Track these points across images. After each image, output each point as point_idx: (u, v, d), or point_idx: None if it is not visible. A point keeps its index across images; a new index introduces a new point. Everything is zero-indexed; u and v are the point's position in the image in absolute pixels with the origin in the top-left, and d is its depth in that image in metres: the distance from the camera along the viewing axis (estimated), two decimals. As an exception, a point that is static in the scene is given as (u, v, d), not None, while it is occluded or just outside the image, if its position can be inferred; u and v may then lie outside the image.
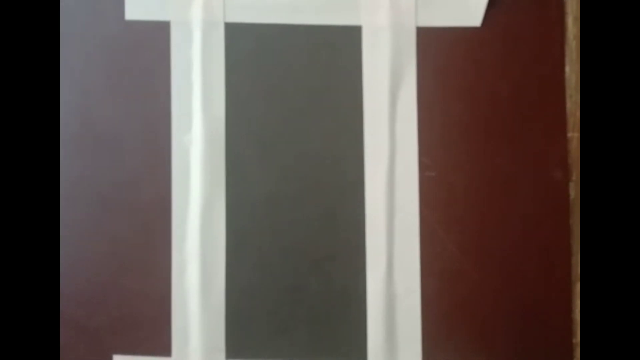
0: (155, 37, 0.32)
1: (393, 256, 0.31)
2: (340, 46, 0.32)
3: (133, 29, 0.32)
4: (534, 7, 0.32)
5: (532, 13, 0.32)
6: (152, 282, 0.32)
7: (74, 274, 0.32)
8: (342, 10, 0.32)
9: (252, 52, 0.32)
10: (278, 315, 0.32)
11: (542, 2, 0.32)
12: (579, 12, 0.31)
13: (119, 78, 0.32)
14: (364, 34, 0.32)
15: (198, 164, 0.32)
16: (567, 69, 0.31)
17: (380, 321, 0.31)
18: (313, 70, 0.32)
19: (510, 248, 0.30)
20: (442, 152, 0.31)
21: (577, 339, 0.30)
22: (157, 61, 0.32)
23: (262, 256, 0.32)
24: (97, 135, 0.32)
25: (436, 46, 0.32)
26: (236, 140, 0.32)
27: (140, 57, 0.32)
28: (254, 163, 0.32)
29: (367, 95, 0.32)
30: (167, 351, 0.32)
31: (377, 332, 0.31)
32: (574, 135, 0.31)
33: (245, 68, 0.32)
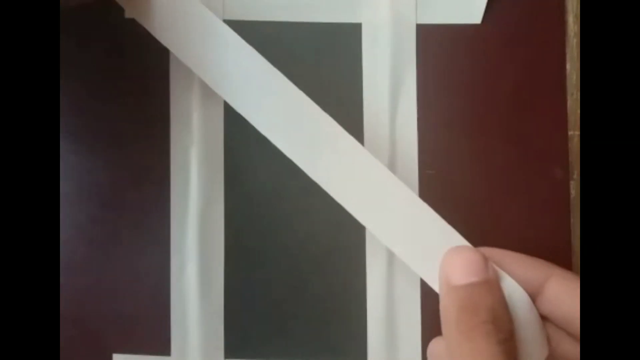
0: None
1: (393, 256, 0.31)
2: (340, 44, 0.32)
3: (132, 27, 0.32)
4: (534, 5, 0.32)
5: (532, 10, 0.32)
6: (152, 281, 0.32)
7: (74, 273, 0.32)
8: (342, 8, 0.32)
9: (250, 50, 0.32)
10: (277, 315, 0.32)
11: (543, 0, 0.32)
12: (579, 10, 0.31)
13: (118, 76, 0.32)
14: (364, 31, 0.32)
15: (197, 163, 0.32)
16: (568, 66, 0.31)
17: (380, 321, 0.31)
18: (312, 67, 0.32)
19: (510, 247, 0.30)
20: (442, 150, 0.31)
21: (577, 337, 0.30)
22: (156, 60, 0.32)
23: (261, 255, 0.32)
24: (97, 134, 0.32)
25: (436, 43, 0.32)
26: (235, 139, 0.32)
27: (139, 56, 0.32)
28: (253, 162, 0.32)
29: (367, 92, 0.32)
30: (166, 350, 0.32)
31: (377, 332, 0.31)
32: (574, 133, 0.31)
33: (244, 66, 0.32)
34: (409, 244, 0.27)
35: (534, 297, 0.27)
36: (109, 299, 0.32)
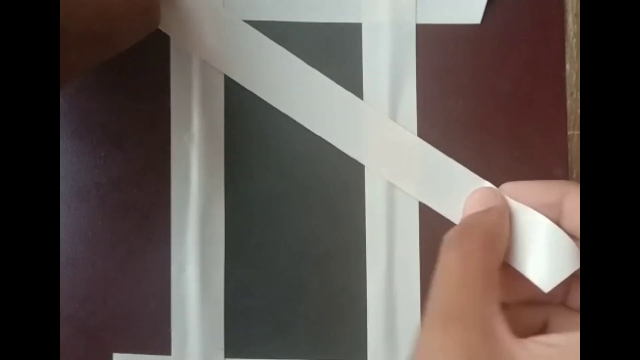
0: (155, 34, 0.32)
1: (393, 256, 0.31)
2: (340, 44, 0.32)
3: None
4: (534, 5, 0.32)
5: (532, 10, 0.32)
6: (152, 280, 0.32)
7: (74, 273, 0.32)
8: (342, 8, 0.32)
9: (251, 50, 0.32)
10: (277, 315, 0.32)
11: (543, 0, 0.32)
12: (579, 10, 0.31)
13: (119, 75, 0.32)
14: (364, 31, 0.32)
15: (197, 162, 0.32)
16: (568, 66, 0.31)
17: (380, 321, 0.31)
18: (313, 67, 0.32)
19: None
20: (442, 150, 0.31)
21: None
22: (156, 58, 0.32)
23: (261, 255, 0.32)
24: (97, 134, 0.32)
25: (436, 43, 0.32)
26: (235, 138, 0.32)
27: (139, 54, 0.32)
28: (253, 161, 0.32)
29: (367, 93, 0.31)
30: (167, 350, 0.32)
31: (377, 332, 0.31)
32: (574, 133, 0.31)
33: (244, 66, 0.32)
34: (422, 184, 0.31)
35: (557, 219, 0.27)
36: (109, 299, 0.32)
